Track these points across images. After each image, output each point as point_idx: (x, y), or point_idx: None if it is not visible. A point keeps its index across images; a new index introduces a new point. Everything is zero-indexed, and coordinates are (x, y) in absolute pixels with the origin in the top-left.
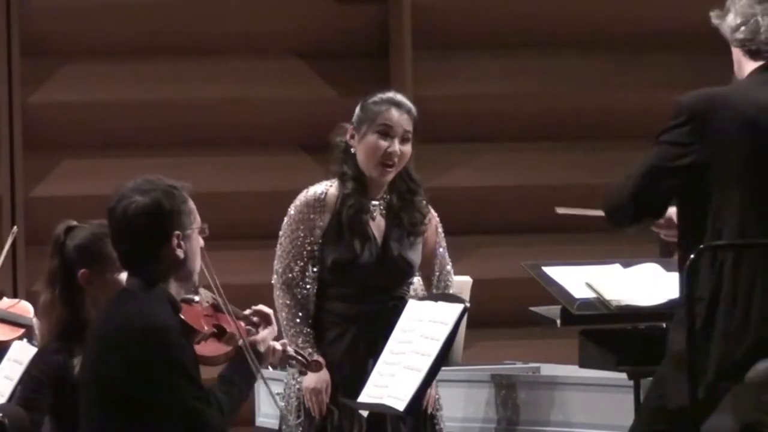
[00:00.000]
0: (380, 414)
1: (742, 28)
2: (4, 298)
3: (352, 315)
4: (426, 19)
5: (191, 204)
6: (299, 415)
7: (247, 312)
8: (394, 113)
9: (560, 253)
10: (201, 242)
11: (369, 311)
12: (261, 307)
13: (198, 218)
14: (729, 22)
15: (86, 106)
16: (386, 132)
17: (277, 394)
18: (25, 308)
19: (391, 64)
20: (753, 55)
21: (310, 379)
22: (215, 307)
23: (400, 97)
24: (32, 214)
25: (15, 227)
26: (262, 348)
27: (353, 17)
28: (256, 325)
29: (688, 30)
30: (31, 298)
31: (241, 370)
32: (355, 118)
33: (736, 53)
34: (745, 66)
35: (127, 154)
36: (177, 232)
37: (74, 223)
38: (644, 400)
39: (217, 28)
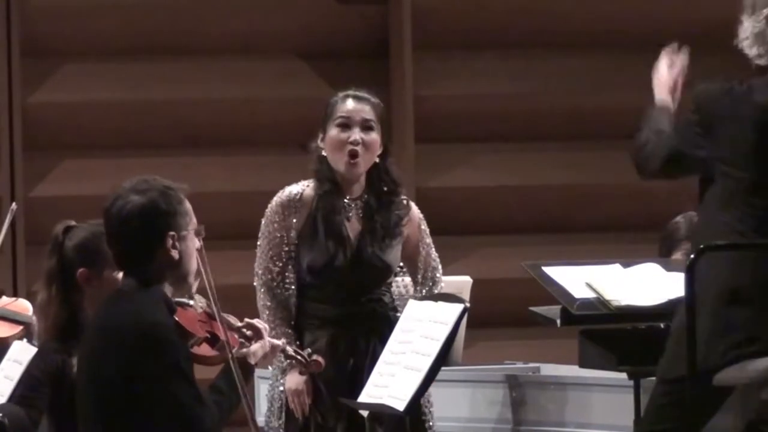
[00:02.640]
0: (358, 414)
1: None
2: (3, 297)
3: (329, 317)
4: (426, 19)
5: (187, 205)
6: (281, 416)
7: (240, 324)
8: (350, 103)
9: (560, 253)
10: (197, 244)
11: (347, 313)
12: (255, 321)
13: (194, 219)
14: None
15: (86, 106)
16: (345, 123)
17: (266, 394)
18: (23, 306)
19: (391, 64)
20: None
21: (292, 381)
22: (209, 315)
23: (360, 91)
24: (32, 214)
25: (14, 204)
26: (252, 360)
27: (353, 17)
28: (248, 338)
29: (688, 30)
30: (30, 298)
31: (232, 380)
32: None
33: None
34: None
35: (126, 154)
36: (172, 233)
37: (72, 223)
38: (649, 399)
39: (217, 28)
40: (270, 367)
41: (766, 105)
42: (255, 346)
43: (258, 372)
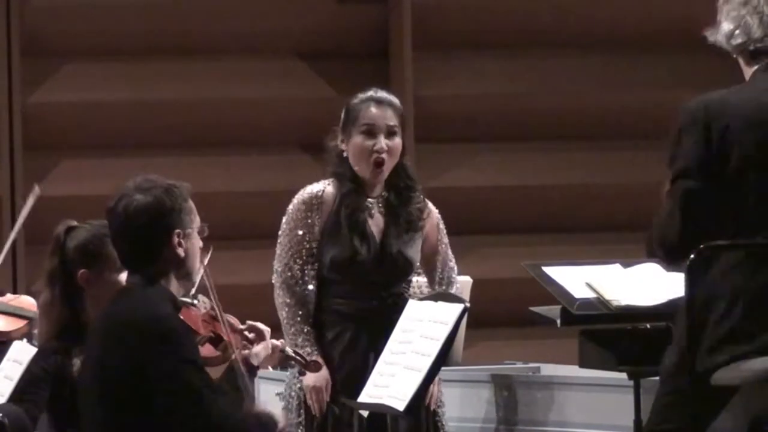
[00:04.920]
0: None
1: (736, 32)
2: (8, 295)
3: (351, 313)
4: (426, 19)
5: (191, 203)
6: (300, 413)
7: (242, 327)
8: (375, 110)
9: (560, 253)
10: (200, 243)
11: (368, 309)
12: (257, 323)
13: (197, 218)
14: (723, 30)
15: (86, 106)
16: (370, 131)
17: (278, 393)
18: (28, 302)
19: (391, 64)
20: (752, 56)
21: (311, 378)
22: (212, 316)
23: (381, 94)
24: (32, 214)
25: (36, 187)
26: (254, 362)
27: (353, 17)
28: (250, 341)
29: (688, 30)
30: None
31: (235, 380)
32: (341, 122)
33: (739, 61)
34: (747, 71)
35: (127, 154)
36: (178, 230)
37: (74, 223)
38: (655, 399)
39: (217, 28)
40: (270, 368)
41: None
42: (258, 348)
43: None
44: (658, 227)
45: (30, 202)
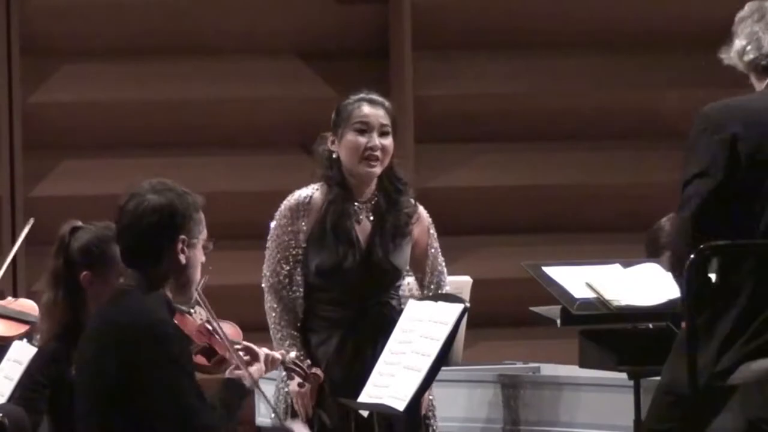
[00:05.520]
0: (368, 415)
1: (748, 48)
2: (9, 298)
3: (338, 319)
4: (426, 19)
5: (202, 216)
6: (287, 417)
7: (238, 347)
8: (368, 109)
9: (560, 253)
10: (203, 257)
11: (355, 315)
12: (251, 345)
13: (205, 232)
14: (736, 47)
15: (86, 106)
16: (363, 128)
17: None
18: (29, 305)
19: (391, 64)
20: (765, 71)
21: (296, 383)
22: (208, 329)
23: (373, 95)
24: (32, 214)
25: (32, 219)
26: (246, 383)
27: (353, 17)
28: (244, 363)
29: (688, 30)
30: (31, 298)
31: (227, 397)
32: (332, 123)
33: (751, 78)
34: (760, 86)
35: (127, 154)
36: (183, 237)
37: (79, 223)
38: (652, 399)
39: (217, 28)
40: None
41: None
42: (252, 369)
43: None
44: (678, 230)
45: (25, 230)
